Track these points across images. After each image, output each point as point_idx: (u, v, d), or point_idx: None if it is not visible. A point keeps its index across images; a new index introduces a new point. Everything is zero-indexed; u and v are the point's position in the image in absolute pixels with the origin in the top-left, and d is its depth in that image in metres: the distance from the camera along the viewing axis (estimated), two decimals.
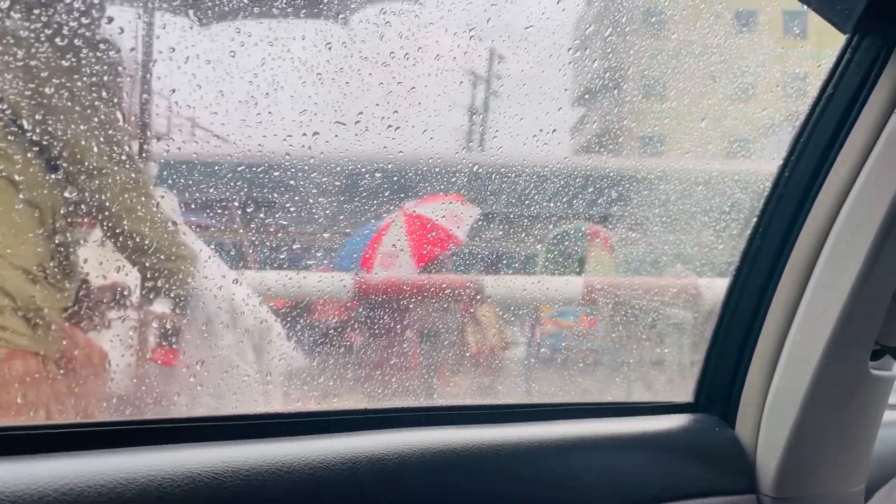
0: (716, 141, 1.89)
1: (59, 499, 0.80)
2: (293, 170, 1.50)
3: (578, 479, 1.10)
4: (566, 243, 2.20)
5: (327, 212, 1.65)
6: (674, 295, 2.42)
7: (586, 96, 1.98)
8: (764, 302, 1.23)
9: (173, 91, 1.42)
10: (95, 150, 1.38)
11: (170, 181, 1.55)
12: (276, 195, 1.55)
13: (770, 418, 1.21)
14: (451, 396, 1.89)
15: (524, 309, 2.60)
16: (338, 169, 1.55)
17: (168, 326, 1.63)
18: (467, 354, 2.26)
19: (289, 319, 1.80)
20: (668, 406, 1.32)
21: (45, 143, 1.35)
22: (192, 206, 1.65)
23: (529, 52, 1.58)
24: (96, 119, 1.37)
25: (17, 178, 1.34)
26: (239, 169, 1.52)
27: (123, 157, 1.44)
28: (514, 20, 1.53)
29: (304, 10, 1.52)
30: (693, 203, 2.06)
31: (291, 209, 1.57)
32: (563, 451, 1.11)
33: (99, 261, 1.51)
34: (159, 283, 1.54)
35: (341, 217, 1.73)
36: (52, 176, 1.38)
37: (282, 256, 1.65)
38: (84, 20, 1.28)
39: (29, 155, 1.34)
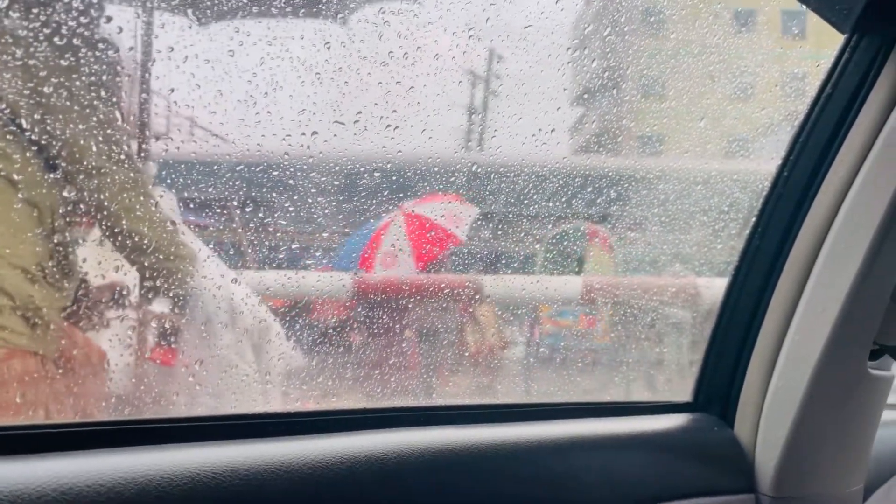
0: (715, 140, 1.89)
1: (58, 498, 0.80)
2: (292, 169, 1.50)
3: (577, 478, 1.10)
4: (565, 243, 2.20)
5: (326, 211, 1.65)
6: (673, 294, 2.42)
7: (585, 96, 1.98)
8: (763, 301, 1.23)
9: (172, 90, 1.42)
10: (94, 149, 1.38)
11: (168, 180, 1.55)
12: (274, 195, 1.55)
13: (769, 418, 1.21)
14: (450, 396, 1.89)
15: (523, 308, 2.60)
16: (336, 168, 1.55)
17: (167, 326, 1.63)
18: (466, 354, 2.26)
19: (288, 319, 1.80)
20: (667, 406, 1.32)
21: (43, 142, 1.35)
22: (191, 206, 1.65)
23: (528, 51, 1.58)
24: (95, 118, 1.37)
25: (15, 177, 1.34)
26: (238, 168, 1.52)
27: (122, 157, 1.44)
28: (513, 20, 1.53)
29: (302, 10, 1.51)
30: (692, 203, 2.06)
31: (290, 209, 1.57)
32: (562, 451, 1.11)
33: (98, 260, 1.51)
34: (158, 283, 1.54)
35: (340, 216, 1.73)
36: (51, 175, 1.38)
37: (281, 256, 1.65)
38: (83, 19, 1.28)
39: (28, 154, 1.34)
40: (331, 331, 1.84)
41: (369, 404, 1.55)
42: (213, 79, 1.37)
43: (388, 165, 1.56)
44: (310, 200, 1.58)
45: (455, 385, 1.92)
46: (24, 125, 1.32)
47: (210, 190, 1.54)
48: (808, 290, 1.16)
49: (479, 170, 1.75)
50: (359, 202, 1.65)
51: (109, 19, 1.35)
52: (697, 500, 1.18)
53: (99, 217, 1.45)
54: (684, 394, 1.34)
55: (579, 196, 1.88)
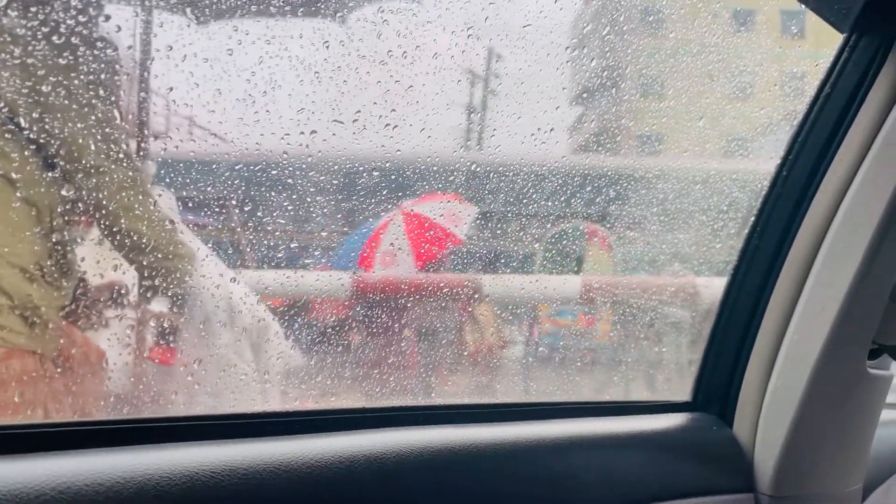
0: (714, 140, 1.89)
1: (57, 497, 0.80)
2: (291, 168, 1.50)
3: (576, 477, 1.10)
4: (564, 242, 2.20)
5: (325, 210, 1.64)
6: (672, 294, 2.42)
7: (584, 95, 1.98)
8: (762, 301, 1.23)
9: (171, 89, 1.42)
10: (93, 148, 1.38)
11: (167, 179, 1.54)
12: (273, 194, 1.55)
13: (768, 417, 1.21)
14: (449, 395, 1.89)
15: (522, 308, 2.60)
16: (335, 167, 1.55)
17: (166, 325, 1.63)
18: (465, 353, 2.26)
19: (287, 318, 1.80)
20: (666, 405, 1.32)
21: (42, 141, 1.34)
22: (190, 205, 1.64)
23: (527, 50, 1.58)
24: (94, 117, 1.37)
25: (14, 176, 1.34)
26: (236, 167, 1.52)
27: (121, 156, 1.43)
28: (512, 19, 1.53)
29: (301, 9, 1.51)
30: (691, 202, 2.06)
31: (289, 208, 1.57)
32: (560, 450, 1.11)
33: (96, 259, 1.51)
34: (157, 282, 1.54)
35: (339, 216, 1.73)
36: (50, 174, 1.37)
37: (279, 255, 1.65)
38: (81, 18, 1.28)
39: (26, 153, 1.34)
40: (330, 330, 1.83)
41: (368, 403, 1.55)
42: (211, 78, 1.37)
43: (387, 164, 1.56)
44: (309, 199, 1.58)
45: (454, 384, 1.92)
46: (23, 124, 1.32)
47: (209, 189, 1.54)
48: (807, 290, 1.16)
49: (478, 169, 1.75)
50: (358, 201, 1.64)
51: (108, 18, 1.35)
52: (696, 500, 1.18)
53: (97, 216, 1.45)
54: (683, 393, 1.34)
55: (578, 195, 1.88)
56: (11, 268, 1.35)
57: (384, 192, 1.65)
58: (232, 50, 1.36)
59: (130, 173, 1.46)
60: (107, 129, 1.39)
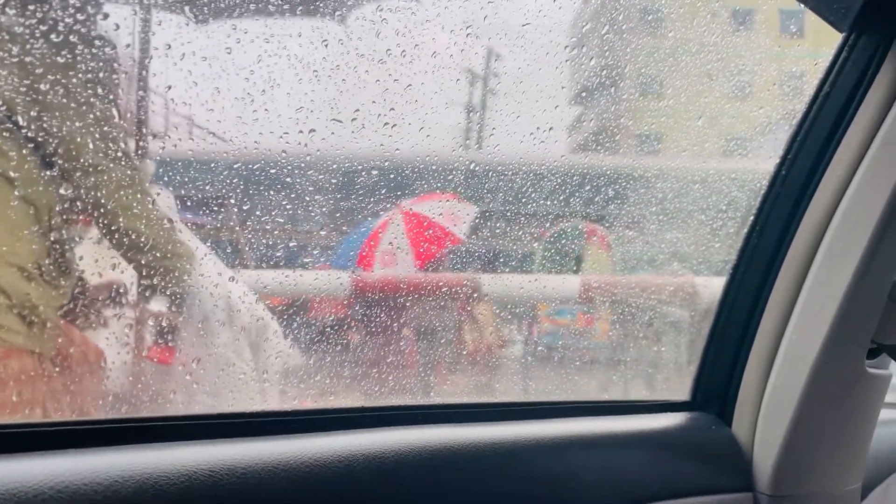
0: (713, 139, 1.89)
1: (55, 496, 0.80)
2: (290, 167, 1.50)
3: (575, 477, 1.10)
4: (563, 241, 2.20)
5: (324, 209, 1.64)
6: (671, 293, 2.42)
7: (583, 94, 1.98)
8: (761, 300, 1.23)
9: (169, 88, 1.42)
10: (91, 146, 1.37)
11: (166, 178, 1.54)
12: (272, 193, 1.55)
13: (767, 416, 1.21)
14: (448, 394, 1.89)
15: (521, 307, 2.60)
16: (334, 166, 1.54)
17: (164, 324, 1.62)
18: (464, 352, 2.26)
19: (285, 317, 1.80)
20: (665, 404, 1.32)
21: (40, 139, 1.34)
22: (188, 204, 1.64)
23: (526, 49, 1.58)
24: (92, 116, 1.37)
25: (12, 174, 1.34)
26: (235, 166, 1.51)
27: (119, 154, 1.43)
28: (511, 18, 1.53)
29: (300, 7, 1.51)
30: (690, 201, 2.06)
31: (288, 207, 1.57)
32: (560, 450, 1.11)
33: (95, 258, 1.50)
34: (155, 281, 1.53)
35: (338, 215, 1.72)
36: (48, 173, 1.37)
37: (278, 254, 1.65)
38: (80, 16, 1.28)
39: (24, 152, 1.34)
40: (328, 329, 1.83)
41: (367, 403, 1.55)
42: (210, 76, 1.36)
43: (386, 163, 1.56)
44: (307, 198, 1.58)
45: (453, 383, 1.92)
46: (21, 122, 1.31)
47: (207, 188, 1.54)
48: (806, 289, 1.16)
49: (477, 168, 1.74)
50: (357, 200, 1.64)
51: (106, 16, 1.34)
52: (695, 499, 1.18)
53: (96, 215, 1.44)
54: (682, 393, 1.34)
55: (577, 194, 1.88)
56: (10, 267, 1.35)
57: (383, 191, 1.65)
58: (230, 48, 1.35)
59: (129, 172, 1.45)
60: (105, 128, 1.39)
